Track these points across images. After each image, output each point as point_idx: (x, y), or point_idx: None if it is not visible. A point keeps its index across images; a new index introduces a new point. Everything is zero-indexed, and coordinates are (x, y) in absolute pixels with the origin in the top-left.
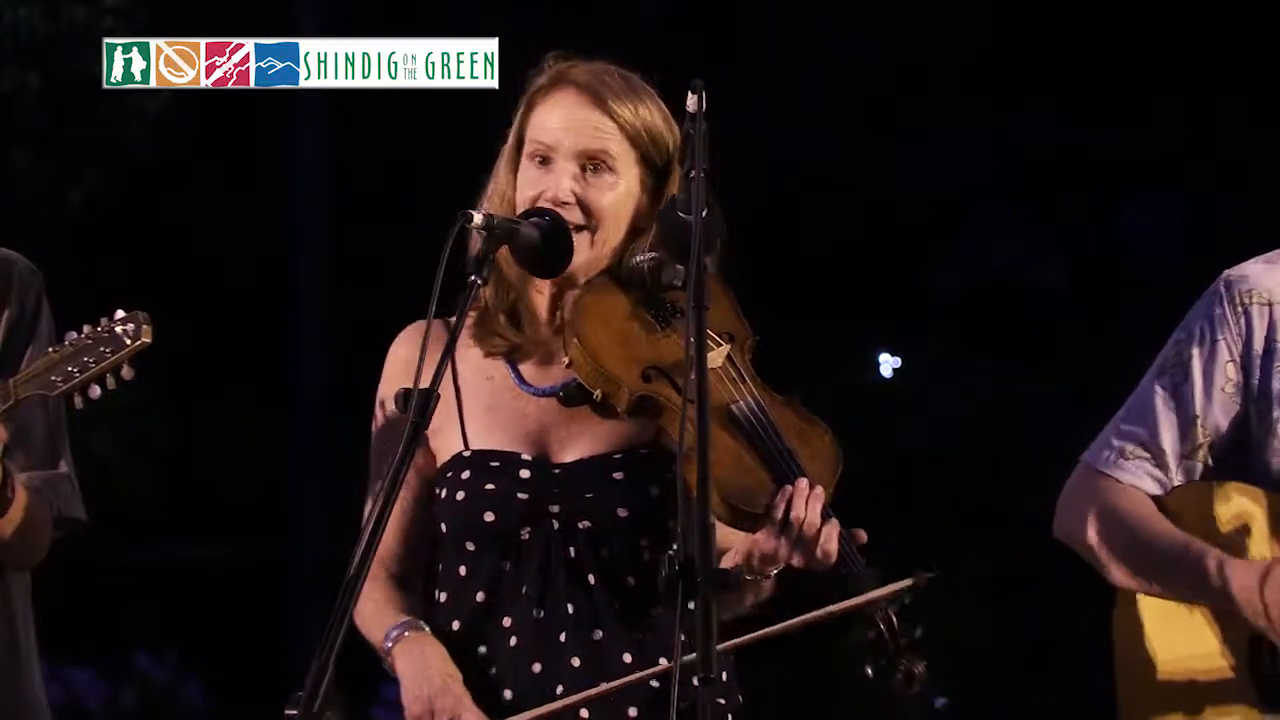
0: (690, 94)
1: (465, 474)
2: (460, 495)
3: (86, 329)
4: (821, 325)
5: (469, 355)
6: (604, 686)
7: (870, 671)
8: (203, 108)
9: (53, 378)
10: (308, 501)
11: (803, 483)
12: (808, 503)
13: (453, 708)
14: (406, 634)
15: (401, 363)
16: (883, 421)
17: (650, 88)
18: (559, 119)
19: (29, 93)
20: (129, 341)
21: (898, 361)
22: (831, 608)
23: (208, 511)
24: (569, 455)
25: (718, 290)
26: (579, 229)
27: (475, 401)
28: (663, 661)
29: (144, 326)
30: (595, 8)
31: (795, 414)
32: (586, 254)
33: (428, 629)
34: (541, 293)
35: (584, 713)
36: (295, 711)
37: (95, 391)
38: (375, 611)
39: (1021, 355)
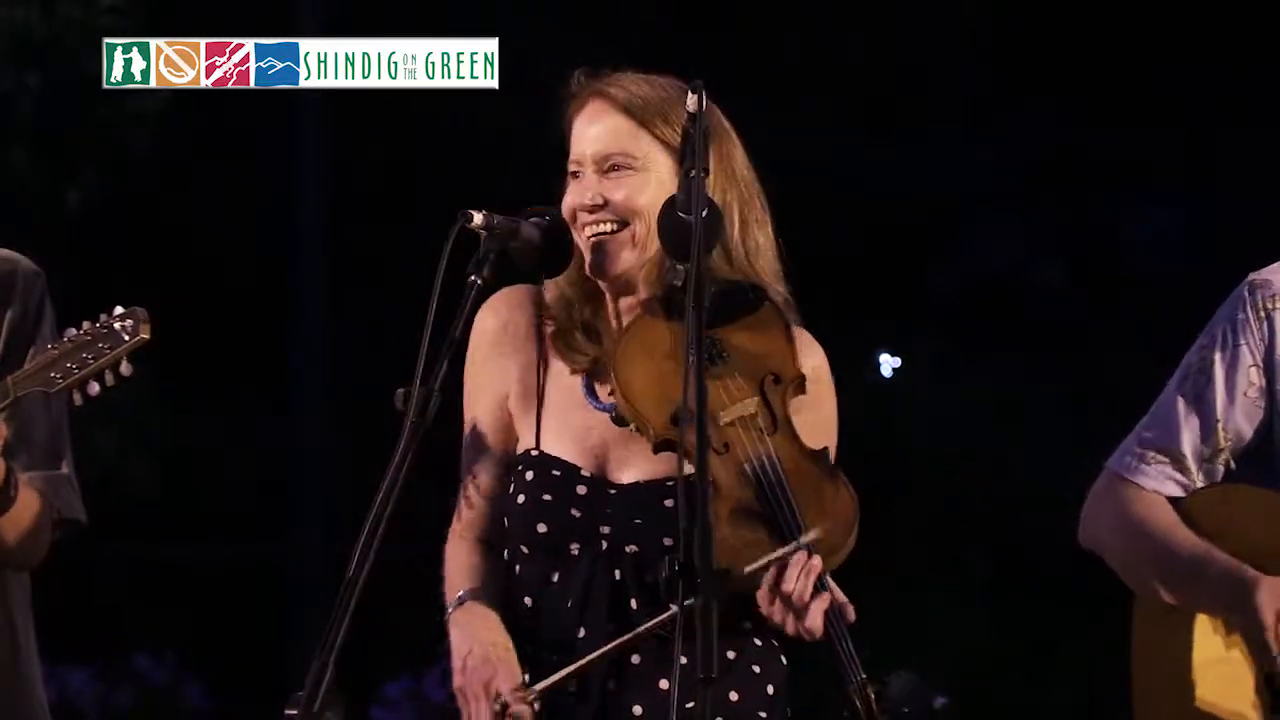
0: (690, 94)
1: (530, 475)
2: (521, 499)
3: (85, 325)
4: (821, 325)
5: (558, 355)
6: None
7: None
8: (203, 108)
9: (52, 375)
10: (308, 501)
11: (800, 555)
12: (799, 575)
13: (489, 678)
14: (466, 603)
15: (490, 333)
16: (883, 421)
17: (676, 87)
18: (584, 132)
19: (27, 92)
20: (127, 337)
21: (898, 361)
22: None
23: (208, 511)
24: (626, 476)
25: (773, 321)
26: (616, 231)
27: (553, 402)
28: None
29: (142, 323)
30: (595, 8)
31: (818, 469)
32: (630, 255)
33: (485, 600)
34: (614, 308)
35: (571, 684)
36: (295, 711)
37: (94, 388)
38: (452, 575)
39: (1021, 355)
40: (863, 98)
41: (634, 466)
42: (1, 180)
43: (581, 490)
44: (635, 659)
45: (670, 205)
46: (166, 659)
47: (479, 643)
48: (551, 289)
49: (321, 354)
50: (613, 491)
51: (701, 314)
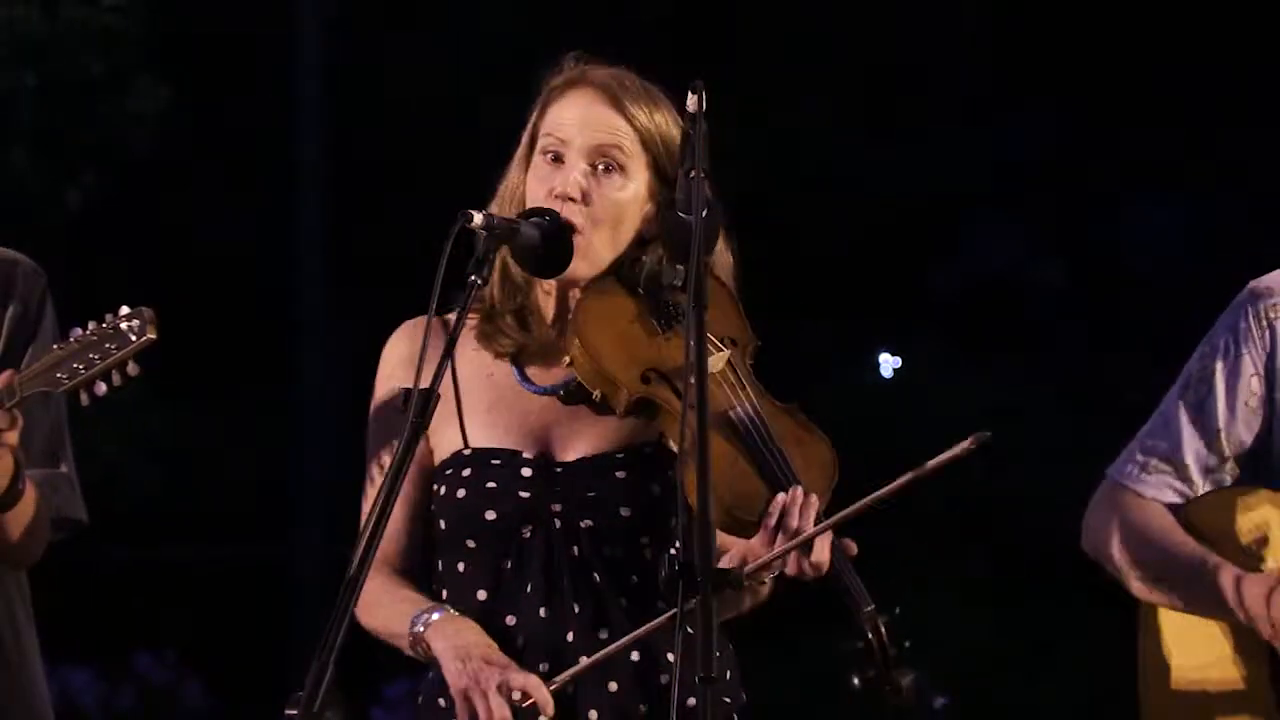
0: (690, 94)
1: (466, 472)
2: (461, 493)
3: (91, 325)
4: (821, 325)
5: (469, 354)
6: (611, 647)
7: (857, 682)
8: (203, 108)
9: (58, 375)
10: (308, 501)
11: (797, 491)
12: (801, 512)
13: (500, 673)
14: (435, 615)
15: (397, 360)
16: (883, 421)
17: (666, 99)
18: (574, 116)
19: (27, 92)
20: (134, 338)
21: (898, 361)
22: (903, 480)
23: (208, 511)
24: (571, 454)
25: (721, 293)
26: (583, 229)
27: (476, 399)
28: (670, 657)
29: (149, 323)
30: (595, 7)
31: (793, 421)
32: (589, 255)
33: (454, 611)
34: (548, 294)
35: (593, 714)
36: (295, 711)
37: (101, 388)
38: (394, 605)
39: (1021, 355)
40: (863, 98)
41: (580, 443)
42: (1, 180)
43: (527, 473)
44: (635, 655)
45: (670, 205)
46: (166, 659)
47: (474, 645)
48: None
49: (321, 354)
50: (559, 470)
51: (702, 314)
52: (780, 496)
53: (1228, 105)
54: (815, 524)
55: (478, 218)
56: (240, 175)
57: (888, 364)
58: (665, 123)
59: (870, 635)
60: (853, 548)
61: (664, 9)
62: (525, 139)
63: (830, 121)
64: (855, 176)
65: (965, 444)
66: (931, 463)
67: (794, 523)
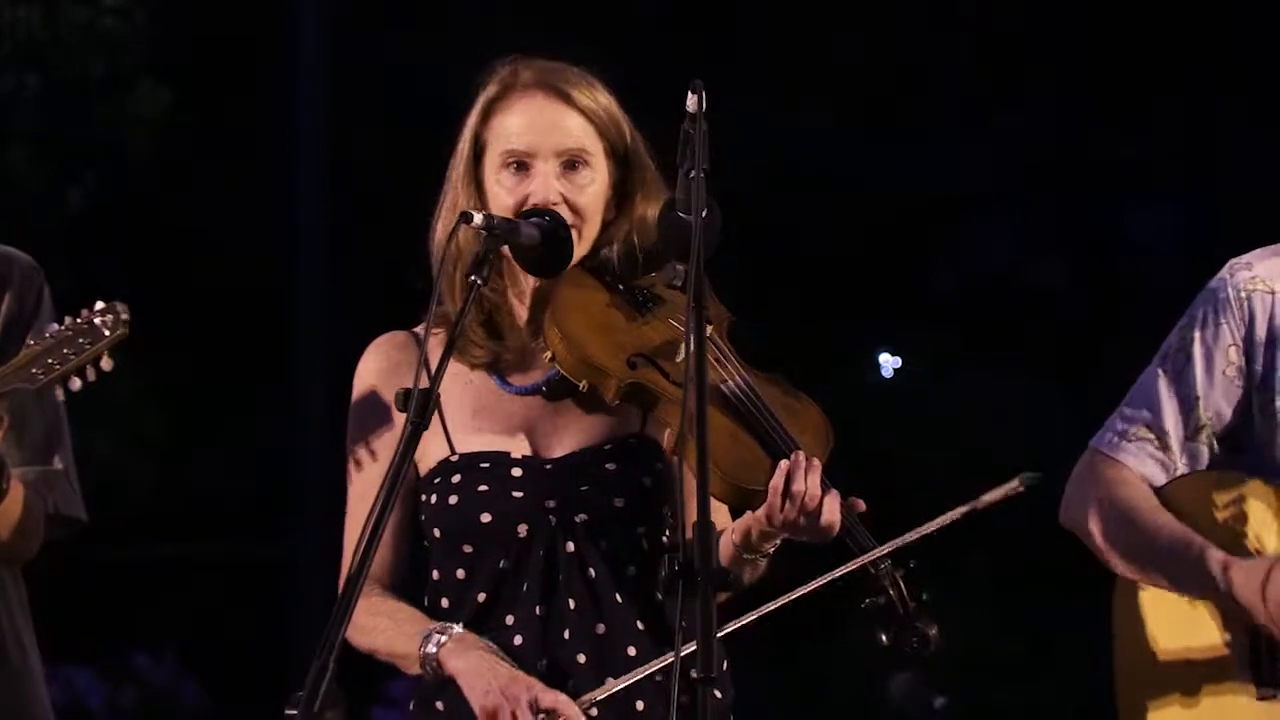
0: (690, 94)
1: (456, 477)
2: (454, 499)
3: (66, 321)
4: (821, 325)
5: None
6: (622, 682)
7: (885, 638)
8: (203, 108)
9: (33, 370)
10: (308, 501)
11: (799, 455)
12: (806, 475)
13: (527, 691)
14: (446, 637)
15: (373, 374)
16: (883, 421)
17: (596, 76)
18: (527, 122)
19: (28, 93)
20: (108, 333)
21: (898, 361)
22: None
23: (207, 510)
24: (559, 450)
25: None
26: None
27: (457, 405)
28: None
29: (122, 317)
30: (595, 8)
31: (781, 390)
32: (579, 252)
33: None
34: (520, 300)
35: (593, 710)
36: (295, 711)
37: (76, 383)
38: (395, 625)
39: (1021, 355)
40: (863, 98)
41: (567, 438)
42: (1, 180)
43: (517, 472)
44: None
45: (670, 205)
46: (166, 659)
47: (498, 664)
48: (440, 310)
49: (321, 354)
50: (549, 467)
51: (702, 315)
52: (784, 462)
53: (1227, 105)
54: (821, 486)
55: (478, 218)
56: (240, 175)
57: (888, 364)
58: (609, 103)
59: (890, 590)
60: (861, 505)
61: (664, 9)
62: (467, 151)
63: (830, 121)
64: (855, 176)
65: (1014, 484)
66: (985, 499)
67: (799, 486)
